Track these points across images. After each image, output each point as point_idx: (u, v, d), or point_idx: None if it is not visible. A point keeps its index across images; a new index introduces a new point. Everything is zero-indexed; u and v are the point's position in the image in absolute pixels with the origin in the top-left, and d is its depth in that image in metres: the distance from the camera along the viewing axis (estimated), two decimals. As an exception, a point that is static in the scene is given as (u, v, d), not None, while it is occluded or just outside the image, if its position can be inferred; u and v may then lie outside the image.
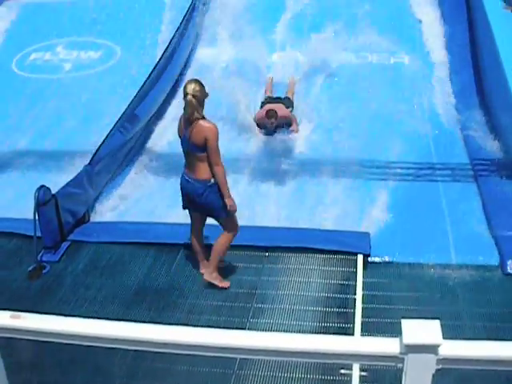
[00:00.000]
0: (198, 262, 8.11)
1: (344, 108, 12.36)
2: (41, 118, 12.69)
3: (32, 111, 12.93)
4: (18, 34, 16.32)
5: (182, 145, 7.52)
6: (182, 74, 14.02)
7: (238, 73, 13.53)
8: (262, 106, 12.56)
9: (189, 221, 8.05)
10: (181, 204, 7.84)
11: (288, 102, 12.64)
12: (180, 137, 7.52)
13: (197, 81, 7.33)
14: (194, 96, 7.14)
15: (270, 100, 12.68)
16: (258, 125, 12.31)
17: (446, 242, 8.71)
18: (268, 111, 11.99)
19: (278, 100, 12.63)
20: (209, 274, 7.82)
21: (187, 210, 7.88)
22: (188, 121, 7.27)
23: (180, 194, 7.77)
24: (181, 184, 7.67)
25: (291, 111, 12.51)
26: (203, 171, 7.40)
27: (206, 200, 7.49)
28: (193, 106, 7.17)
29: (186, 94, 7.18)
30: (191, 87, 7.18)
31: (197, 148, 7.31)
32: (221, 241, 7.73)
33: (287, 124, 12.24)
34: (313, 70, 13.72)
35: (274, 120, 11.95)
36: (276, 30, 15.32)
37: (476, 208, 9.51)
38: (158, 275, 8.12)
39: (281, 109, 12.18)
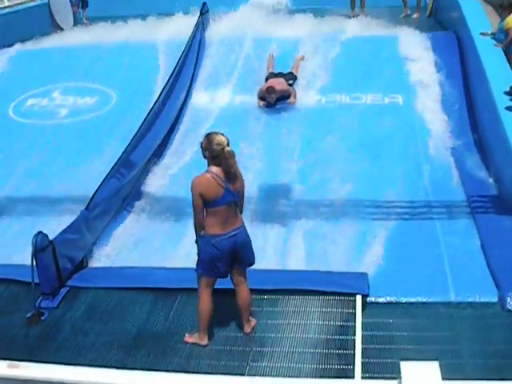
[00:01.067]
0: (204, 328, 7.60)
1: (339, 148, 12.44)
2: (38, 162, 12.77)
3: (29, 156, 13.01)
4: (15, 79, 16.51)
5: (221, 202, 7.09)
6: (177, 119, 14.14)
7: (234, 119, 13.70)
8: (266, 81, 14.64)
9: (187, 265, 8.05)
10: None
11: (290, 76, 14.79)
12: (214, 195, 7.05)
13: (222, 133, 7.16)
14: (228, 145, 7.03)
15: (271, 75, 14.82)
16: (261, 98, 14.35)
17: (444, 280, 8.67)
18: (268, 88, 14.09)
19: (279, 75, 14.74)
20: (250, 326, 7.77)
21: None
22: (229, 173, 7.07)
23: (213, 261, 7.28)
24: (220, 246, 7.16)
25: (292, 84, 14.66)
26: (241, 216, 7.39)
27: (249, 242, 7.49)
28: (234, 156, 7.06)
29: (223, 148, 6.95)
30: (223, 139, 7.00)
31: (240, 196, 7.33)
32: (248, 292, 7.68)
33: (287, 96, 14.32)
34: (307, 113, 13.83)
35: (274, 95, 14.05)
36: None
37: (474, 245, 9.51)
38: (157, 320, 8.06)
39: (280, 83, 14.28)
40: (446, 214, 10.42)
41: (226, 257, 7.28)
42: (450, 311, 8.03)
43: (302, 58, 15.61)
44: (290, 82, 14.65)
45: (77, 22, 22.47)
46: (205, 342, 7.58)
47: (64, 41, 18.57)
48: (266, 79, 14.72)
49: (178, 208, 11.00)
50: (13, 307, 8.55)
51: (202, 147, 7.13)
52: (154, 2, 21.27)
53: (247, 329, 7.74)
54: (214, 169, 7.05)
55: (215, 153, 6.98)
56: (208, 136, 7.09)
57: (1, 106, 15.37)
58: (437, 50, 15.59)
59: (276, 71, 14.98)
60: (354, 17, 19.63)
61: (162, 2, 20.63)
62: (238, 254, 7.37)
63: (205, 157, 7.14)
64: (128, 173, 11.28)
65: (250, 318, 7.82)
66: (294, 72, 15.04)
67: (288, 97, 14.27)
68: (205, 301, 7.46)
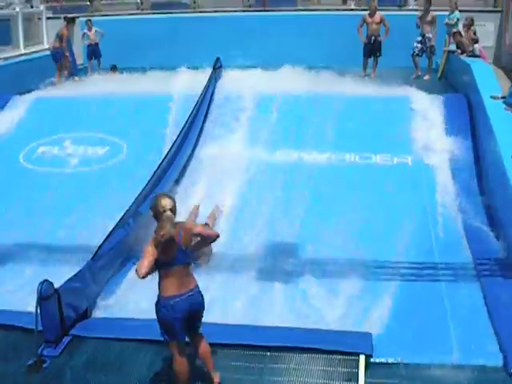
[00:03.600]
0: None
1: (346, 206, 12.48)
2: (45, 210, 12.83)
3: (37, 204, 13.08)
4: (27, 127, 16.66)
5: (174, 263, 7.03)
6: (183, 171, 14.36)
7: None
8: None
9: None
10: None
11: None
12: (168, 256, 7.00)
13: (169, 196, 7.20)
14: (171, 210, 6.97)
15: None
16: None
17: (448, 342, 8.64)
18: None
19: None
20: (218, 377, 7.61)
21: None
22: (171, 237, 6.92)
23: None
24: (178, 308, 7.03)
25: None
26: (193, 276, 7.25)
27: (203, 304, 7.33)
28: (171, 221, 6.93)
29: (163, 211, 6.90)
30: (165, 202, 6.97)
31: (190, 255, 7.23)
32: (207, 345, 7.56)
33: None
34: (315, 169, 13.92)
35: None
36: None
37: (479, 307, 9.49)
38: (159, 373, 8.03)
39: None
40: (451, 275, 10.42)
41: (183, 319, 7.11)
42: (453, 373, 7.96)
43: (218, 212, 12.60)
44: None
45: (93, 72, 22.89)
46: None
47: (77, 90, 18.76)
48: None
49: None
50: (14, 354, 8.54)
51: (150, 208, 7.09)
52: (167, 56, 21.59)
53: (217, 379, 7.62)
54: None
55: (157, 215, 6.99)
56: (156, 197, 7.12)
57: (12, 152, 15.54)
58: (447, 112, 15.70)
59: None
60: (365, 76, 19.86)
61: (175, 56, 20.90)
62: (193, 316, 7.24)
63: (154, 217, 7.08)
64: (136, 224, 11.32)
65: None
66: (210, 224, 11.59)
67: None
68: (178, 363, 7.32)
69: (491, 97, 14.43)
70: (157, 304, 7.11)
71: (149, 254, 6.93)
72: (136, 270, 6.94)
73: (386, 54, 20.02)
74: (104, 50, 22.72)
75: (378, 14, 19.98)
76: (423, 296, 9.87)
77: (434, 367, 8.10)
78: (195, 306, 7.16)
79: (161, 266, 7.00)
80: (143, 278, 6.90)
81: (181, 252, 7.01)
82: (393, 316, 9.27)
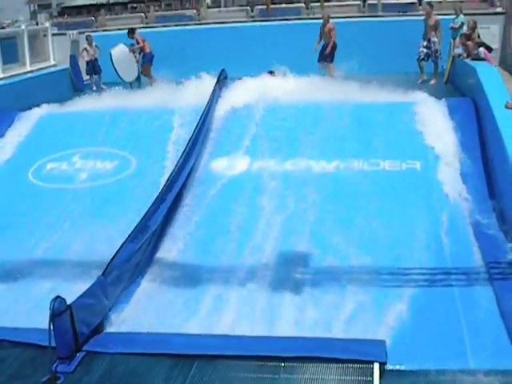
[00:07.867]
0: None
1: (356, 214, 12.43)
2: (55, 227, 12.83)
3: (47, 220, 13.10)
4: (34, 144, 16.70)
5: None
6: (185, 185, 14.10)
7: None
8: None
9: (204, 331, 8.03)
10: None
11: None
12: None
13: None
14: None
15: None
16: None
17: (463, 348, 8.58)
18: None
19: None
20: None
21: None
22: None
23: None
24: None
25: None
26: None
27: None
28: None
29: None
30: None
31: None
32: None
33: None
34: (323, 178, 13.90)
35: None
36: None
37: (492, 311, 9.42)
38: (175, 387, 8.03)
39: None
40: (464, 280, 10.34)
41: None
42: (468, 379, 7.92)
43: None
44: None
45: (97, 87, 23.01)
46: None
47: (84, 105, 18.82)
48: None
49: (193, 274, 11.03)
50: (29, 371, 8.52)
51: None
52: (173, 68, 21.57)
53: None
54: None
55: None
56: None
57: (21, 169, 15.54)
58: (454, 116, 15.60)
59: None
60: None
61: (182, 68, 20.90)
62: None
63: None
64: (145, 238, 11.31)
65: None
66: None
67: None
68: None
69: (506, 106, 14.08)
70: None
71: None
72: None
73: (391, 60, 20.05)
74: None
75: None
76: (436, 302, 9.79)
77: (448, 373, 8.05)
78: None
79: None
80: None
81: None
82: (406, 323, 9.21)
